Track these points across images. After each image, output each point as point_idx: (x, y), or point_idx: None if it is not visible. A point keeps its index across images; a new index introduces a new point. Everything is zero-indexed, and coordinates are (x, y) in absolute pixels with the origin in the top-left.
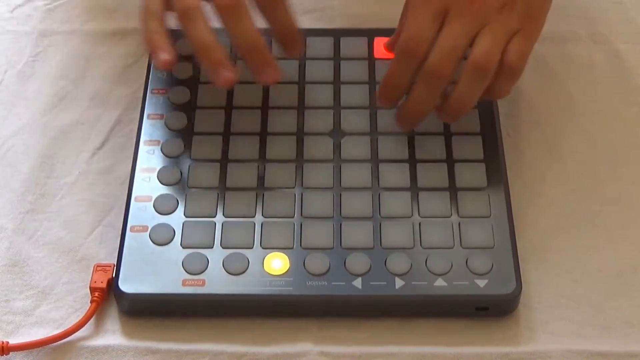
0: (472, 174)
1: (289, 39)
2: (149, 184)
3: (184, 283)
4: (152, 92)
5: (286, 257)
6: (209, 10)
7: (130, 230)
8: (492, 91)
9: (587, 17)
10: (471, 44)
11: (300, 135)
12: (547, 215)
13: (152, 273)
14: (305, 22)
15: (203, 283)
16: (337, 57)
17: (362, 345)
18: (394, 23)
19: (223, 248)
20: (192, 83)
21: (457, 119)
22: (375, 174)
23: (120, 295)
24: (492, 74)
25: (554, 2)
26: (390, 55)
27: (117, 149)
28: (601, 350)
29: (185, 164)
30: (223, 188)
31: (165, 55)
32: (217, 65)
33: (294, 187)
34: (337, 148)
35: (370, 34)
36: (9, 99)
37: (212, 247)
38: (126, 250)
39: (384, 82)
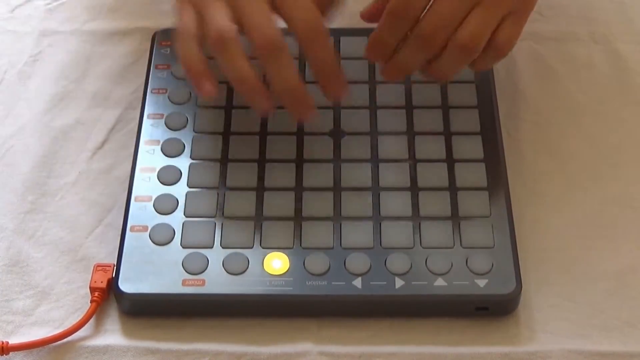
0: (472, 174)
1: (330, 80)
2: (149, 184)
3: (184, 283)
4: (152, 92)
5: (286, 257)
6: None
7: (130, 230)
8: (474, 64)
9: (587, 17)
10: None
11: (300, 135)
12: (547, 215)
13: (152, 273)
14: None
15: (203, 283)
16: (337, 57)
17: (362, 345)
18: None
19: (223, 248)
20: None
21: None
22: (375, 174)
23: (120, 295)
24: (477, 55)
25: (554, 2)
26: None
27: (117, 148)
28: (601, 350)
29: (185, 163)
30: (223, 188)
31: (208, 84)
32: (254, 95)
33: (294, 187)
34: (337, 148)
35: (370, 34)
36: (9, 99)
37: (212, 247)
38: (126, 250)
39: (371, 40)
